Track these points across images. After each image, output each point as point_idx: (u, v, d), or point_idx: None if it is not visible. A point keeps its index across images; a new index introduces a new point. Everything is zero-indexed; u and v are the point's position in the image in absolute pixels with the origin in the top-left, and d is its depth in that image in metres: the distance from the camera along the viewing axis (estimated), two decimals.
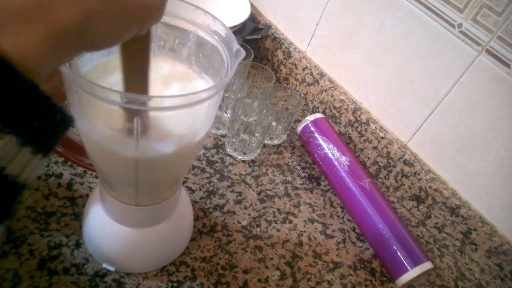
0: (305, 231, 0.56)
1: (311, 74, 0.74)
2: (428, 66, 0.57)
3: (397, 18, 0.59)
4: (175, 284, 0.46)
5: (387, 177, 0.66)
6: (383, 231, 0.54)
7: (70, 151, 0.44)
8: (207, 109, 0.34)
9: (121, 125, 0.31)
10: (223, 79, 0.31)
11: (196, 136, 0.35)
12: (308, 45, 0.76)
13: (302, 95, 0.77)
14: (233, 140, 0.62)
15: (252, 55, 0.70)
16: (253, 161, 0.64)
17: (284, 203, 0.59)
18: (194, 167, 0.59)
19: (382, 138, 0.64)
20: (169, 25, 0.37)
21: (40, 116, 0.18)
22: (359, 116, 0.67)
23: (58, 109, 0.19)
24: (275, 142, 0.68)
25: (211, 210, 0.55)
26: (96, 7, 0.20)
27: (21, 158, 0.18)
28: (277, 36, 0.79)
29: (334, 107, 0.71)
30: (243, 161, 0.63)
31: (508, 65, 0.49)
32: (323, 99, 0.73)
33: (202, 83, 0.39)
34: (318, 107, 0.75)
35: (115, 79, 0.34)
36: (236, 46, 0.33)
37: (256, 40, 0.79)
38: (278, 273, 0.50)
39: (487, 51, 0.51)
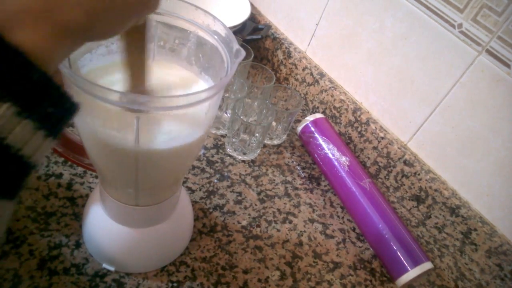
0: (305, 231, 0.56)
1: (311, 74, 0.74)
2: (428, 66, 0.57)
3: (397, 18, 0.59)
4: (175, 284, 0.46)
5: (387, 177, 0.66)
6: (383, 231, 0.54)
7: (70, 151, 0.44)
8: (207, 109, 0.34)
9: (121, 125, 0.31)
10: (223, 79, 0.31)
11: (196, 136, 0.35)
12: (308, 45, 0.76)
13: (302, 95, 0.77)
14: (233, 140, 0.62)
15: (252, 55, 0.70)
16: (253, 161, 0.64)
17: (284, 203, 0.59)
18: (194, 167, 0.59)
19: (382, 138, 0.64)
20: (169, 25, 0.37)
21: (53, 103, 0.21)
22: (359, 116, 0.67)
23: (67, 97, 0.22)
24: (275, 142, 0.68)
25: (211, 210, 0.55)
26: (99, 6, 0.22)
27: (35, 140, 0.20)
28: (277, 36, 0.79)
29: (334, 107, 0.71)
30: (243, 161, 0.63)
31: (508, 65, 0.49)
32: (323, 99, 0.73)
33: (202, 83, 0.39)
34: (318, 107, 0.75)
35: (115, 79, 0.34)
36: (236, 46, 0.33)
37: (256, 40, 0.79)
38: (278, 273, 0.50)
39: (487, 51, 0.51)
